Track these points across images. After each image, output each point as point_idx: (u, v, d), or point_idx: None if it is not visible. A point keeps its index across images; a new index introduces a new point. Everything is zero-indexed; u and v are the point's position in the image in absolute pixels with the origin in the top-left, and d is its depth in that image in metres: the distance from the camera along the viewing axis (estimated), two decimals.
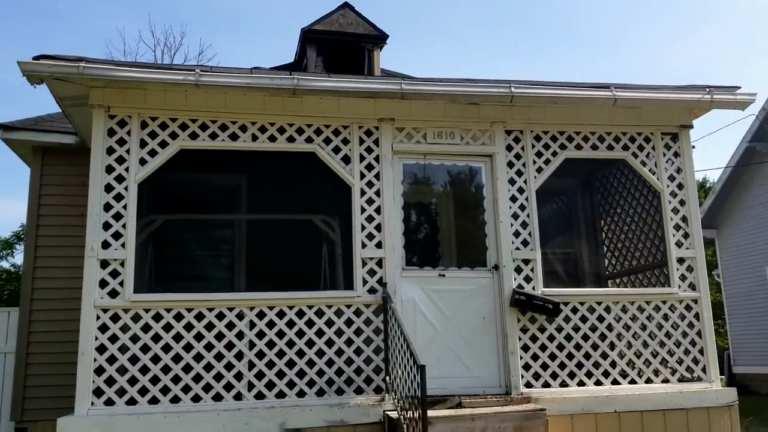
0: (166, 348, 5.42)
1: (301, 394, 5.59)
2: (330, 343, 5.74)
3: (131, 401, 5.35)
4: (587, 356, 6.08)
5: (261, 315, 5.64)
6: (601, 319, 6.20)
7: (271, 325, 5.61)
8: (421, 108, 6.23)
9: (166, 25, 44.62)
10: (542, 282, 6.16)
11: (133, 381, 5.35)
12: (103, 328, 5.44)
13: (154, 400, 5.39)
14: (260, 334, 5.65)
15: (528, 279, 6.18)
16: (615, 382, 6.10)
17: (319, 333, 5.72)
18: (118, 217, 5.60)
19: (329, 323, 5.78)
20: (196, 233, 7.33)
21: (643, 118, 6.66)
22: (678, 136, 6.68)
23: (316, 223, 6.90)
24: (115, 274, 5.51)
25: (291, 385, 5.61)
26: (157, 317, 5.53)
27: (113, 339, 5.44)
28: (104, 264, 5.50)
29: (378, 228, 5.97)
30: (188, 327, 5.57)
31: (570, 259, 7.16)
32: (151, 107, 5.80)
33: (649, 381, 6.16)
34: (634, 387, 6.06)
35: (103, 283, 5.47)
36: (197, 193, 7.42)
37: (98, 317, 5.40)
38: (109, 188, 5.64)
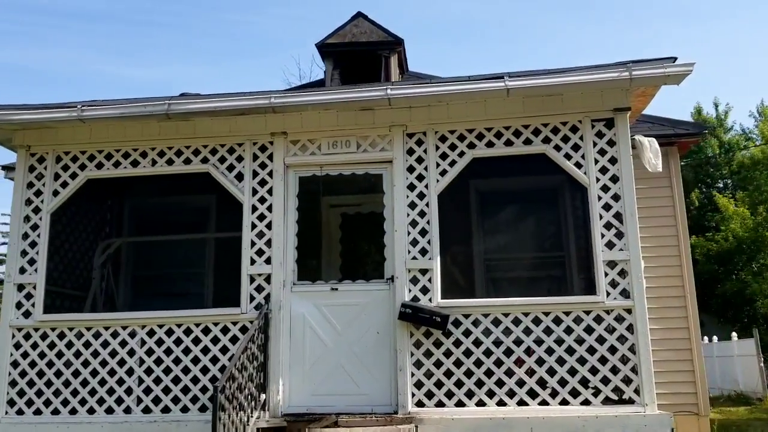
0: (68, 363, 6.39)
1: (185, 409, 6.37)
2: (215, 360, 6.56)
3: (37, 411, 6.47)
4: (489, 374, 6.03)
5: (151, 333, 6.40)
6: (507, 332, 6.15)
7: (159, 342, 6.37)
8: (314, 119, 6.70)
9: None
10: (440, 293, 6.21)
11: (39, 393, 6.40)
12: (17, 345, 6.71)
13: (56, 411, 6.54)
14: (149, 352, 6.47)
15: (425, 290, 6.28)
16: (522, 402, 6.02)
17: (205, 350, 6.58)
18: (33, 245, 6.90)
19: (215, 340, 6.47)
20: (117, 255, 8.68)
21: (567, 105, 6.37)
22: (613, 122, 6.37)
23: (223, 242, 7.77)
24: (29, 296, 6.79)
25: (176, 400, 6.40)
26: (61, 335, 6.69)
27: (25, 355, 6.60)
28: (20, 287, 6.82)
29: (269, 243, 6.52)
30: (87, 344, 6.57)
31: (481, 266, 7.24)
32: (63, 143, 6.85)
33: (565, 403, 6.12)
34: (541, 409, 5.89)
35: (19, 305, 6.86)
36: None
37: (13, 336, 6.61)
38: (27, 219, 6.99)
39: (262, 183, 6.69)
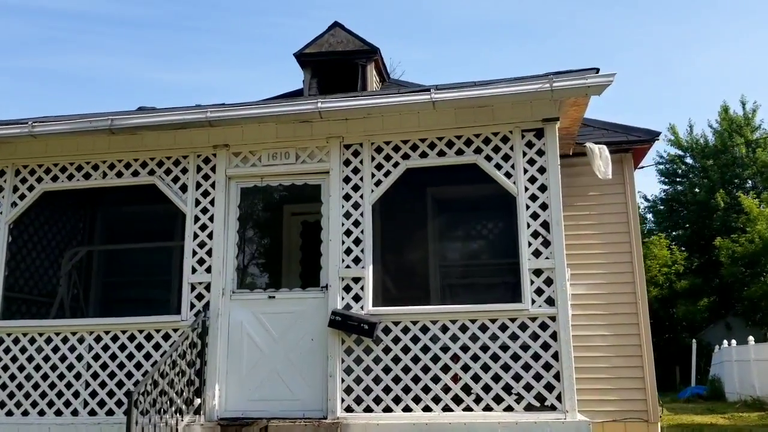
0: (21, 368, 6.79)
1: (144, 413, 6.84)
2: (174, 364, 6.85)
3: None
4: (416, 380, 6.23)
5: (98, 339, 6.78)
6: (435, 339, 6.37)
7: (105, 348, 6.71)
8: (255, 131, 6.95)
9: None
10: (371, 301, 6.44)
11: None
12: None
13: (9, 413, 7.05)
14: (96, 357, 6.84)
15: (357, 298, 6.52)
16: (447, 408, 6.18)
17: (147, 356, 6.86)
18: None
19: (156, 347, 6.76)
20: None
21: (498, 116, 6.55)
22: (543, 132, 6.54)
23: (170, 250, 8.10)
24: None
25: (119, 404, 6.80)
26: (16, 341, 7.22)
27: None
28: None
29: (209, 253, 6.86)
30: (39, 349, 7.08)
31: (416, 274, 7.41)
32: (22, 157, 7.21)
33: (488, 409, 6.26)
34: (464, 415, 6.06)
35: None
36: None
37: None
38: None
39: (205, 194, 6.98)
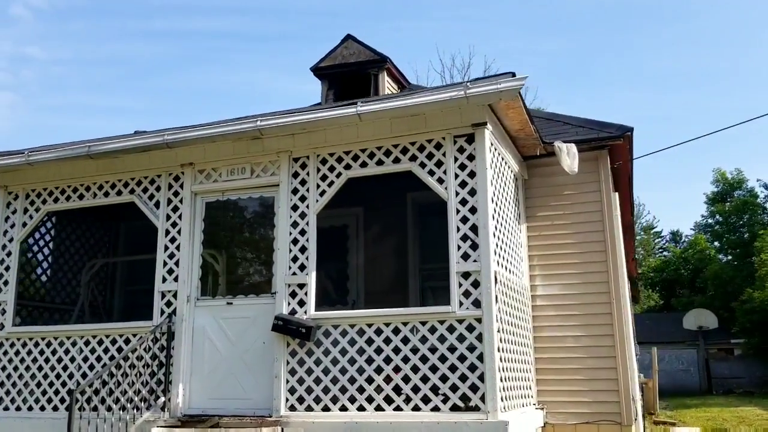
0: (16, 368, 8.06)
1: (95, 409, 7.48)
2: (132, 366, 7.62)
3: None
4: (352, 380, 6.59)
5: (87, 343, 7.69)
6: (370, 341, 6.65)
7: (92, 351, 7.62)
8: (214, 149, 7.53)
9: (453, 50, 52.22)
10: (314, 306, 6.87)
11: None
12: None
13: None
14: (85, 359, 7.81)
15: (302, 303, 6.90)
16: (379, 408, 6.43)
17: (126, 358, 7.66)
18: (8, 269, 8.50)
19: (133, 350, 7.63)
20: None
21: (431, 123, 6.72)
22: (473, 137, 6.67)
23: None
24: (3, 311, 8.42)
25: (89, 401, 7.64)
26: (24, 344, 8.22)
27: None
28: None
29: (178, 263, 7.64)
30: (41, 351, 8.11)
31: (359, 279, 7.60)
32: (30, 182, 8.28)
33: (417, 409, 6.40)
34: (392, 414, 6.33)
35: None
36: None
37: None
38: (3, 247, 8.58)
39: (175, 209, 7.66)
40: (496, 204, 6.94)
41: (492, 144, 6.95)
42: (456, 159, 6.72)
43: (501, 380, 6.32)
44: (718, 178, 42.89)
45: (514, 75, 6.29)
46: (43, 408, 7.71)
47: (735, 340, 36.38)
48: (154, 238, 9.72)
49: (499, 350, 6.34)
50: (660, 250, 56.56)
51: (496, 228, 6.81)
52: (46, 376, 7.79)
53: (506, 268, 7.10)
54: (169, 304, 7.46)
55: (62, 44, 79.88)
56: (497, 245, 6.79)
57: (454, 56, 65.03)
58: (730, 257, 42.19)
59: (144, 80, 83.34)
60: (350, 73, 11.73)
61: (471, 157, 6.67)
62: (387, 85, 11.67)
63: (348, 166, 7.09)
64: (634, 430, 7.54)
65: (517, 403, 6.94)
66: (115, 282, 10.00)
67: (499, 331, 6.41)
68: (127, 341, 7.52)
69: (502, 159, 7.44)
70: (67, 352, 7.77)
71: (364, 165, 7.04)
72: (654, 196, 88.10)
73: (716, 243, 43.28)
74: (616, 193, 8.41)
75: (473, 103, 6.38)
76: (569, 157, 7.77)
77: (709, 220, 44.28)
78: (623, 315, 7.80)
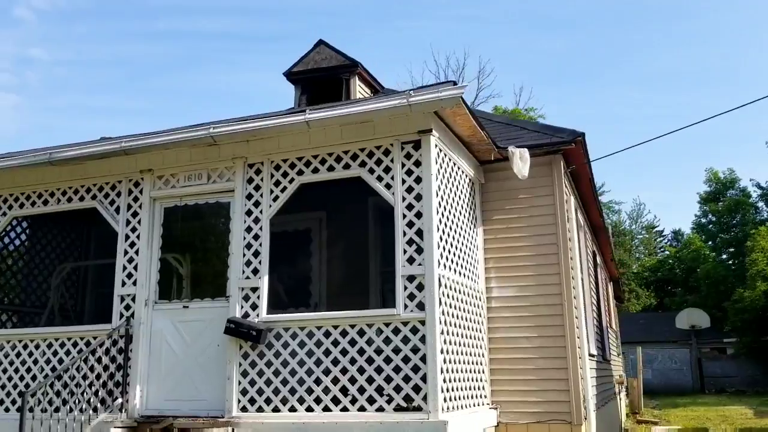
0: None
1: (57, 410, 7.69)
2: (92, 368, 7.80)
3: None
4: (301, 382, 6.73)
5: (50, 345, 8.00)
6: (319, 344, 6.80)
7: (42, 354, 7.82)
8: (173, 156, 7.69)
9: (448, 50, 52.74)
10: (266, 309, 7.07)
11: None
12: None
13: None
14: (47, 361, 8.07)
15: (254, 306, 7.07)
16: (327, 409, 6.60)
17: (86, 360, 7.85)
18: None
19: (93, 352, 7.83)
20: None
21: (379, 130, 6.87)
22: (420, 144, 6.81)
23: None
24: None
25: (51, 402, 7.80)
26: None
27: None
28: None
29: (137, 268, 7.83)
30: (6, 354, 8.32)
31: (310, 283, 7.77)
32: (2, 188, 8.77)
33: (362, 409, 6.58)
34: (338, 414, 6.49)
35: None
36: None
37: None
38: None
39: (135, 214, 7.83)
40: (445, 208, 7.10)
41: (441, 150, 7.12)
42: (403, 165, 6.88)
43: (445, 381, 6.49)
44: (711, 178, 43.03)
45: (455, 84, 6.48)
46: (7, 410, 7.88)
47: (727, 339, 36.61)
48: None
49: (442, 352, 6.49)
50: (662, 250, 56.81)
51: (444, 232, 6.98)
52: (10, 378, 7.96)
53: (456, 271, 7.26)
54: (128, 307, 7.63)
55: (65, 46, 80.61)
56: (444, 249, 6.96)
57: (449, 57, 65.73)
58: (724, 257, 42.35)
59: (147, 81, 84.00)
60: (322, 78, 11.93)
61: (417, 163, 6.84)
62: (359, 89, 11.85)
63: (300, 172, 7.26)
64: (584, 430, 7.69)
65: (465, 403, 7.10)
66: (87, 285, 10.18)
67: (443, 333, 6.56)
68: (87, 344, 7.70)
69: (454, 164, 7.60)
70: (30, 354, 7.94)
71: (316, 171, 7.21)
72: (657, 196, 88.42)
73: (710, 242, 43.40)
74: (572, 197, 8.56)
75: (416, 111, 6.54)
76: (521, 161, 7.92)
77: (702, 220, 44.41)
78: (575, 316, 7.96)
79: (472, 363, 7.52)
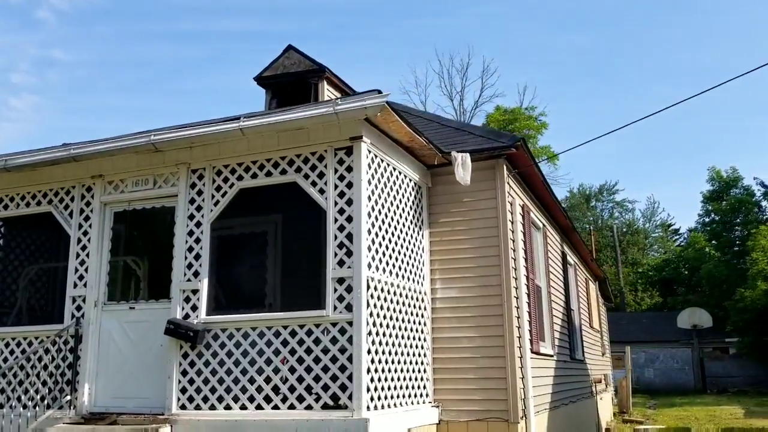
0: None
1: (14, 407, 8.02)
2: (46, 366, 8.09)
3: None
4: (236, 381, 6.99)
5: (7, 344, 8.36)
6: (253, 344, 7.04)
7: (11, 352, 8.14)
8: (121, 162, 7.91)
9: (453, 50, 53.05)
10: (205, 310, 7.43)
11: None
12: None
13: None
14: (5, 359, 8.37)
15: (195, 307, 7.30)
16: (259, 407, 6.81)
17: (40, 359, 8.14)
18: None
19: (47, 351, 8.13)
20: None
21: (314, 137, 7.07)
22: (352, 150, 7.01)
23: None
24: None
25: (8, 399, 8.11)
26: None
27: None
28: None
29: (87, 270, 8.12)
30: None
31: (248, 285, 8.01)
32: None
33: (292, 407, 6.79)
34: (269, 413, 6.70)
35: None
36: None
37: None
38: None
39: (86, 219, 8.11)
40: (380, 212, 7.30)
41: (375, 155, 7.32)
42: (336, 170, 7.09)
43: (372, 380, 6.69)
44: (714, 177, 42.81)
45: (380, 92, 6.65)
46: None
47: (730, 339, 36.44)
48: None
49: (369, 352, 6.70)
50: (669, 249, 56.59)
51: (377, 235, 7.17)
52: None
53: (392, 273, 7.46)
54: (79, 308, 7.91)
55: (87, 47, 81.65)
56: (378, 251, 7.15)
57: (453, 56, 65.98)
58: (728, 256, 42.12)
59: (168, 81, 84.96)
60: (291, 82, 12.12)
61: (350, 169, 7.04)
62: (327, 92, 12.03)
63: (240, 177, 7.49)
64: (521, 428, 7.86)
65: (398, 402, 7.30)
66: (56, 286, 10.46)
67: (370, 333, 6.76)
68: (41, 343, 7.97)
69: (393, 169, 7.79)
70: None
71: (255, 176, 7.43)
72: (673, 194, 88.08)
73: (714, 241, 43.17)
74: (523, 199, 8.70)
75: (344, 118, 6.74)
76: (462, 167, 8.09)
77: (706, 219, 44.18)
78: (514, 316, 8.12)
79: (410, 363, 7.71)
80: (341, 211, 6.99)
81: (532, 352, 8.76)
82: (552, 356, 10.44)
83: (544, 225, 11.04)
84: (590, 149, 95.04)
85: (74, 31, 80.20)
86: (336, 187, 7.06)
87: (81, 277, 7.98)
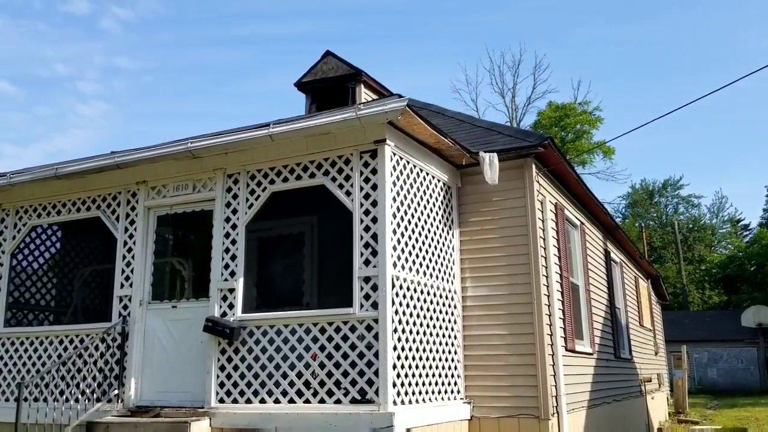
0: (6, 364, 9.23)
1: (67, 400, 8.54)
2: (96, 362, 8.55)
3: None
4: (270, 376, 7.31)
5: (61, 342, 8.86)
6: (286, 340, 7.33)
7: (65, 348, 8.66)
8: (163, 168, 8.39)
9: (504, 47, 52.99)
10: (241, 308, 7.75)
11: None
12: None
13: None
14: (59, 356, 8.90)
15: (231, 306, 7.67)
16: (292, 401, 7.10)
17: (91, 355, 8.63)
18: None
19: (96, 348, 8.61)
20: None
21: (340, 141, 7.36)
22: (376, 153, 7.27)
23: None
24: None
25: (62, 393, 8.64)
26: (12, 343, 9.33)
27: None
28: None
29: (133, 271, 8.55)
30: (36, 349, 9.20)
31: (284, 284, 8.27)
32: (21, 200, 9.36)
33: (322, 401, 7.02)
34: (300, 406, 6.98)
35: None
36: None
37: None
38: None
39: (132, 222, 8.58)
40: (405, 212, 7.51)
41: (401, 158, 7.54)
42: (362, 173, 7.33)
43: (399, 376, 6.91)
44: None
45: (401, 97, 6.87)
46: (16, 399, 8.74)
47: None
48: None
49: (395, 348, 6.92)
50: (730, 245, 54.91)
51: (402, 235, 7.39)
52: (29, 371, 8.84)
53: (419, 272, 7.66)
54: (125, 307, 8.37)
55: (149, 54, 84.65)
56: (404, 251, 7.37)
57: (504, 53, 65.60)
58: None
59: (227, 85, 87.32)
60: (329, 87, 12.48)
61: (375, 171, 7.27)
62: (364, 95, 12.33)
63: (272, 181, 7.81)
64: (552, 424, 7.94)
65: (428, 397, 7.49)
66: (107, 287, 11.02)
67: (396, 330, 6.98)
68: (92, 340, 8.48)
69: (420, 170, 7.99)
70: (45, 350, 8.81)
71: (285, 180, 7.75)
72: (742, 189, 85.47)
73: None
74: (556, 197, 8.76)
75: (366, 122, 6.98)
76: (490, 167, 8.23)
77: None
78: (545, 314, 8.21)
79: (439, 359, 7.89)
80: (366, 212, 7.23)
81: (567, 349, 8.82)
82: (591, 354, 10.43)
83: (582, 223, 11.03)
84: (651, 143, 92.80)
85: (137, 38, 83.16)
86: (361, 189, 7.30)
87: (127, 278, 8.45)
